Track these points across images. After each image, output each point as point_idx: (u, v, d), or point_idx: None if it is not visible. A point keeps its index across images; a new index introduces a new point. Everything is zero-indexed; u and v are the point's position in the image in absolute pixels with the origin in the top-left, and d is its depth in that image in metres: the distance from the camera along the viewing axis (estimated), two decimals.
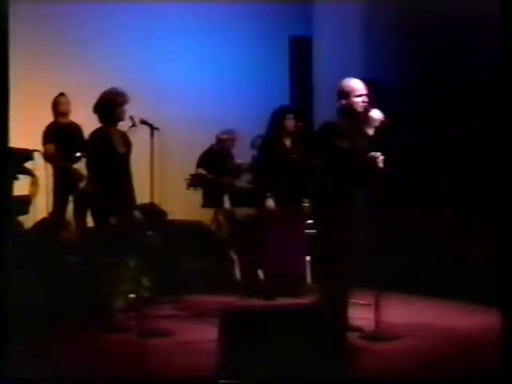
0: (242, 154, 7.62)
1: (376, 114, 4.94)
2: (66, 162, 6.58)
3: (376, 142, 4.95)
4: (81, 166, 6.52)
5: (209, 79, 8.37)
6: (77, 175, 6.47)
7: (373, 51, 7.45)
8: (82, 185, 6.47)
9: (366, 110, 4.93)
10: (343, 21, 7.80)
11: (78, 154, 6.32)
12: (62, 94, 6.92)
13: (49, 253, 5.81)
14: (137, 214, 5.47)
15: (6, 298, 3.69)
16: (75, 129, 6.93)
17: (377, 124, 4.93)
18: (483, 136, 6.13)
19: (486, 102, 6.19)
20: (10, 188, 4.14)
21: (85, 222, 6.41)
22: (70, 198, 6.64)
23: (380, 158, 4.95)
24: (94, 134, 5.33)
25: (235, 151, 7.71)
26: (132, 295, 5.54)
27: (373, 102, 4.98)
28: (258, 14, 8.53)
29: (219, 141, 7.67)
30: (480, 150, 6.22)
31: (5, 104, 3.86)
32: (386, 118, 4.93)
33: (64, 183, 6.64)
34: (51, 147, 6.66)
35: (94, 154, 5.32)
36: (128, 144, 5.42)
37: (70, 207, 6.68)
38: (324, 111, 5.57)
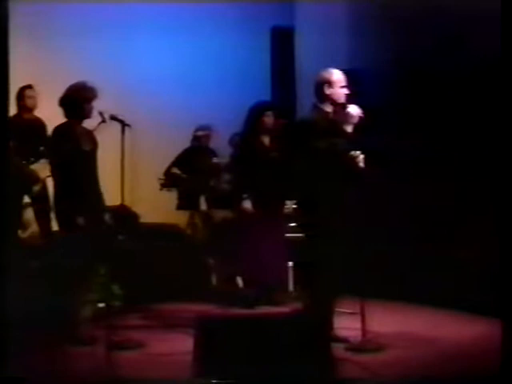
0: (221, 153, 7.61)
1: (354, 110, 4.97)
2: (22, 160, 6.50)
3: (355, 140, 4.98)
4: (39, 167, 6.47)
5: (185, 72, 8.35)
6: (31, 176, 6.40)
7: (358, 42, 7.47)
8: (37, 187, 6.42)
9: (344, 106, 4.96)
10: (327, 10, 7.82)
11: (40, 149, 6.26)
12: (29, 87, 6.83)
13: (11, 257, 5.75)
14: (106, 216, 5.43)
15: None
16: (38, 125, 6.84)
17: (355, 121, 4.97)
18: (478, 131, 6.15)
19: (475, 97, 6.23)
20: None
21: (48, 226, 6.35)
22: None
23: (360, 157, 4.98)
24: (58, 129, 5.29)
25: (213, 149, 7.71)
26: (101, 304, 5.50)
27: (354, 95, 5.01)
28: (238, 2, 8.51)
29: (195, 138, 7.66)
30: (475, 147, 6.24)
31: (5, 103, 3.97)
32: (364, 114, 4.95)
33: (19, 184, 6.55)
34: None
35: (57, 151, 5.27)
36: (94, 142, 5.40)
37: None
38: (307, 106, 5.59)
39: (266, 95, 8.10)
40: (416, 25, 6.70)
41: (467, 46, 6.32)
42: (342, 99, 5.00)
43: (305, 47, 8.35)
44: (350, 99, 5.00)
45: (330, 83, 5.01)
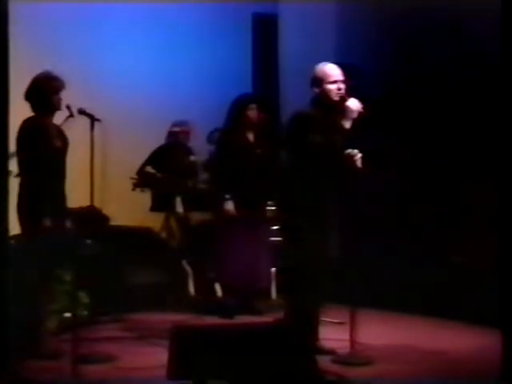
0: (198, 150, 7.58)
1: (353, 103, 4.93)
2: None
3: (353, 137, 4.95)
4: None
5: (160, 63, 8.31)
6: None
7: (348, 31, 7.47)
8: None
9: (343, 100, 4.93)
10: None
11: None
12: None
13: None
14: (73, 218, 5.39)
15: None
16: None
17: (354, 116, 4.93)
18: (481, 130, 6.16)
19: (475, 89, 6.24)
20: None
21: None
22: None
23: (358, 156, 4.96)
24: (26, 124, 5.24)
25: (190, 147, 7.68)
26: (67, 314, 5.46)
27: (350, 90, 4.98)
28: None
29: (171, 134, 7.62)
30: (477, 147, 6.24)
31: (5, 104, 4.12)
32: (364, 108, 4.93)
33: None
34: None
35: (25, 148, 5.22)
36: (64, 139, 5.36)
37: None
38: (292, 100, 5.57)
39: (246, 88, 8.07)
40: (416, 9, 6.69)
41: (465, 37, 6.34)
42: (334, 97, 4.96)
43: (289, 37, 8.33)
44: (347, 94, 4.98)
45: (318, 80, 4.99)
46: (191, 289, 7.07)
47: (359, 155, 4.97)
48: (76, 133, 5.30)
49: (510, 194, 4.10)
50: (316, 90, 5.01)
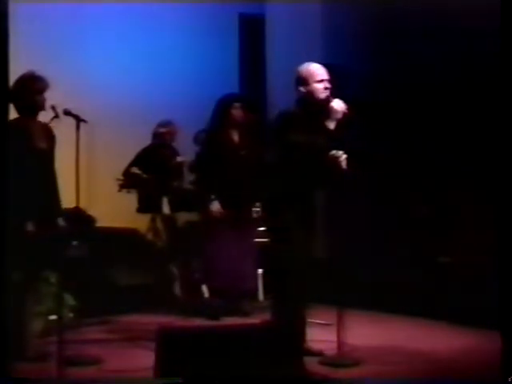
0: (184, 151, 7.58)
1: (338, 104, 4.94)
2: None
3: (338, 138, 4.96)
4: None
5: (146, 63, 8.31)
6: None
7: (335, 32, 7.47)
8: None
9: (328, 100, 4.94)
10: None
11: None
12: None
13: None
14: (59, 220, 5.38)
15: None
16: None
17: (338, 116, 4.93)
18: (471, 129, 6.17)
19: (466, 92, 6.25)
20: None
21: None
22: None
23: (342, 157, 4.96)
24: (10, 125, 5.22)
25: (176, 147, 7.68)
26: (52, 316, 5.44)
27: (335, 91, 4.99)
28: None
29: (156, 135, 7.61)
30: (469, 146, 6.25)
31: (5, 104, 4.16)
32: (349, 109, 4.93)
33: None
34: None
35: (8, 149, 5.21)
36: (51, 138, 5.36)
37: None
38: (278, 100, 5.56)
39: (234, 88, 8.09)
40: (403, 8, 6.70)
41: (454, 37, 6.36)
42: (320, 96, 4.97)
43: (276, 37, 8.34)
44: (332, 94, 4.98)
45: (304, 79, 5.00)
46: (178, 290, 7.07)
47: (344, 156, 4.98)
48: (61, 134, 5.29)
49: (509, 194, 4.09)
50: (302, 89, 5.01)
